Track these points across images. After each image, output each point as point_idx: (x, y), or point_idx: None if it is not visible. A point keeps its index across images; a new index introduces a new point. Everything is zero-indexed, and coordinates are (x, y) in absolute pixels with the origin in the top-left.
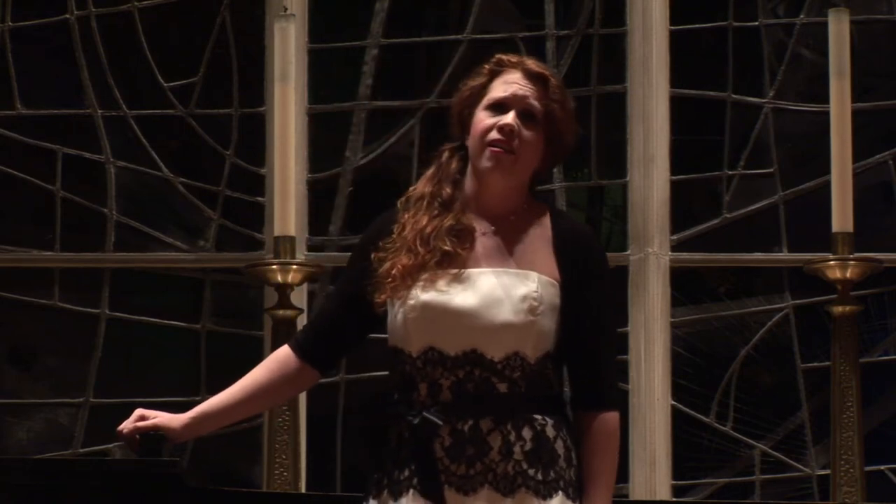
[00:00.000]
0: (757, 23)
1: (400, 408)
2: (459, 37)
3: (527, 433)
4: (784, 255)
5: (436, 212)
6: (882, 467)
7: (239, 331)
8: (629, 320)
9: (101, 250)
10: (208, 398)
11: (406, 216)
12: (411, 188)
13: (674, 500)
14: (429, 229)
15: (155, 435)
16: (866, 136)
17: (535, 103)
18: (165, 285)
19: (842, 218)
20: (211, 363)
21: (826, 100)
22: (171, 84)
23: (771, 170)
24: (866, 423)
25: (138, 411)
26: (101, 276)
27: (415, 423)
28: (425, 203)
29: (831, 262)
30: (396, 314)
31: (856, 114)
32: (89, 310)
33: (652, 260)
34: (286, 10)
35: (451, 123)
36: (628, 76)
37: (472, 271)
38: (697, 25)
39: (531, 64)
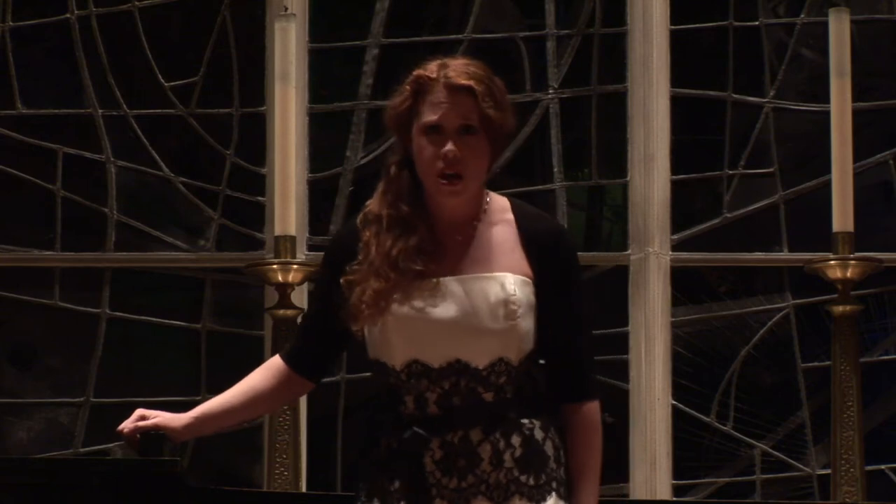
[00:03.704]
0: (757, 22)
1: (388, 417)
2: (459, 37)
3: (516, 440)
4: (784, 255)
5: (398, 231)
6: (882, 467)
7: (239, 330)
8: (629, 320)
9: (101, 250)
10: (208, 398)
11: (367, 235)
12: (367, 204)
13: (674, 499)
14: (395, 251)
15: (155, 434)
16: (866, 136)
17: (469, 116)
18: (166, 285)
19: (842, 218)
20: (211, 363)
21: (826, 99)
22: (172, 84)
23: (771, 169)
24: (866, 423)
25: (139, 411)
26: (102, 276)
27: (404, 437)
28: (385, 224)
29: (832, 262)
30: (376, 330)
31: (856, 113)
32: (90, 309)
33: (652, 259)
34: (286, 9)
35: (391, 134)
36: (629, 76)
37: (446, 281)
38: (698, 25)
39: (453, 75)
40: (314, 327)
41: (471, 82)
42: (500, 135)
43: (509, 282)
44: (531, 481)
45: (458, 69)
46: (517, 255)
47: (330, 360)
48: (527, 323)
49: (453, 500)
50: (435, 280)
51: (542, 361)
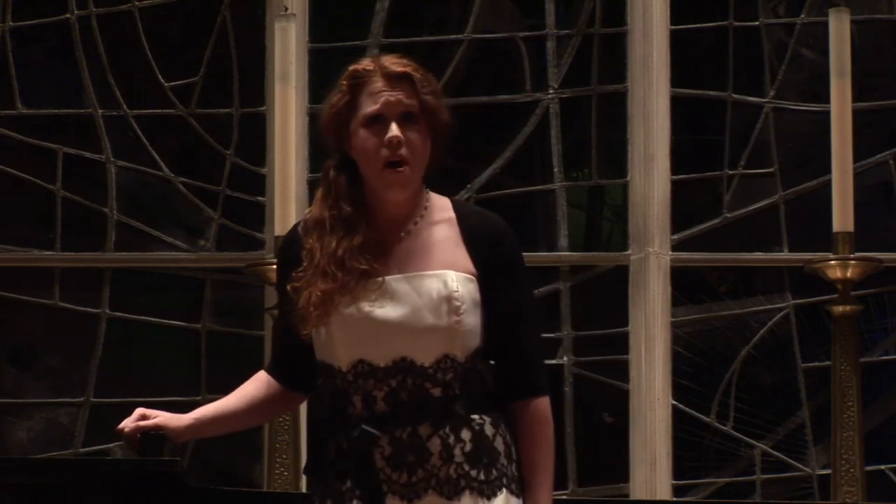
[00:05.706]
0: (757, 22)
1: (336, 419)
2: (459, 37)
3: (465, 434)
4: (784, 255)
5: (342, 233)
6: (882, 467)
7: (239, 330)
8: (629, 320)
9: (101, 250)
10: (208, 398)
11: (311, 242)
12: (306, 212)
13: (674, 499)
14: (340, 251)
15: (156, 434)
16: (866, 136)
17: (410, 103)
18: (166, 285)
19: (842, 218)
20: (211, 363)
21: (826, 99)
22: (172, 84)
23: (771, 169)
24: (866, 423)
25: (139, 410)
26: (102, 276)
27: (353, 436)
28: (328, 226)
29: (832, 262)
30: (322, 331)
31: (856, 113)
32: (90, 309)
33: (652, 260)
34: (286, 9)
35: (326, 139)
36: (629, 76)
37: (389, 280)
38: (698, 25)
39: (390, 65)
40: (283, 338)
41: (408, 69)
42: (438, 124)
43: (451, 278)
44: (481, 476)
45: (393, 60)
46: (459, 253)
47: (309, 368)
48: (471, 319)
49: (404, 495)
50: (380, 279)
51: (492, 361)
